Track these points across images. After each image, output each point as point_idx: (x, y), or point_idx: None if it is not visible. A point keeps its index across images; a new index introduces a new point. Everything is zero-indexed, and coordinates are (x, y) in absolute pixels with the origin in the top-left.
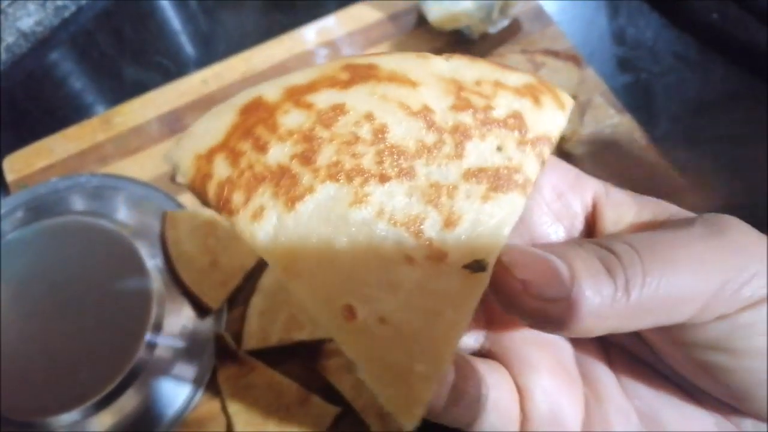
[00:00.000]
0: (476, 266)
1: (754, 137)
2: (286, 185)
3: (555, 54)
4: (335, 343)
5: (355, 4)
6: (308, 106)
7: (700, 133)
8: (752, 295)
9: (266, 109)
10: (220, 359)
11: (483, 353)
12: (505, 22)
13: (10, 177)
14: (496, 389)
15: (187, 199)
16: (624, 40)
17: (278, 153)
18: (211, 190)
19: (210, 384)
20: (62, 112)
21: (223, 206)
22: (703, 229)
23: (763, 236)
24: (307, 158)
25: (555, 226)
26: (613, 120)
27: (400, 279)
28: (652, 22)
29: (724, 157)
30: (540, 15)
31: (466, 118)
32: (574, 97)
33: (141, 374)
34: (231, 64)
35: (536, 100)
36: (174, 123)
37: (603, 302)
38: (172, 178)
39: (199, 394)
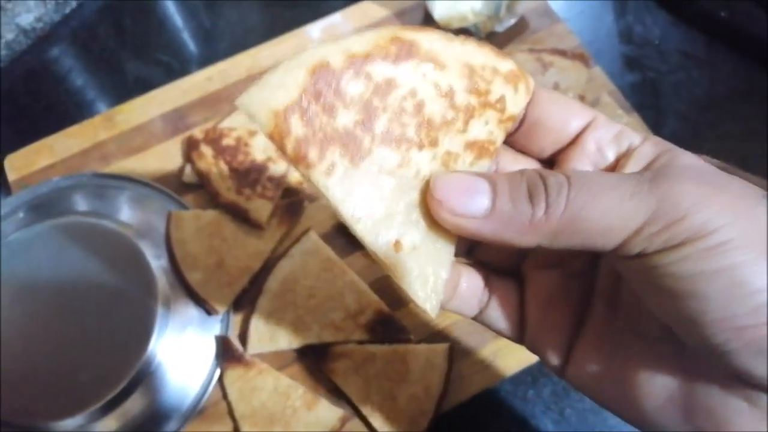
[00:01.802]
0: None
1: (763, 134)
2: (352, 146)
3: (562, 53)
4: (342, 347)
5: (360, 1)
6: (367, 76)
7: (708, 130)
8: (670, 239)
9: (333, 74)
10: (226, 362)
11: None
12: (512, 21)
13: (11, 176)
14: (502, 295)
15: (192, 199)
16: (631, 39)
17: (345, 118)
18: (289, 145)
19: (216, 387)
20: (63, 110)
21: (301, 160)
22: (647, 175)
23: (702, 184)
24: (366, 125)
25: None
26: (621, 119)
27: (420, 218)
28: (660, 20)
29: (732, 154)
30: (547, 13)
31: (474, 99)
32: (582, 97)
33: (146, 377)
34: (236, 61)
35: (515, 87)
36: (177, 121)
37: (519, 219)
38: (178, 177)
39: (205, 396)
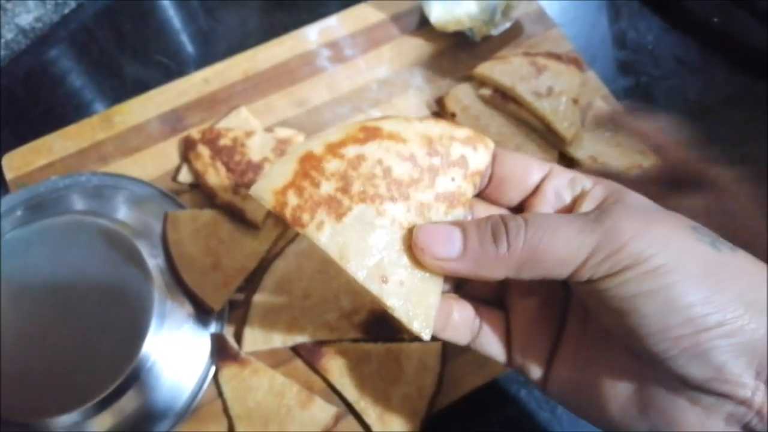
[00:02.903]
0: None
1: (756, 140)
2: (335, 207)
3: (557, 57)
4: (337, 345)
5: (357, 4)
6: (341, 156)
7: (700, 136)
8: (612, 266)
9: (315, 159)
10: (222, 360)
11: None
12: (507, 25)
13: (9, 175)
14: (490, 323)
15: (188, 199)
16: (625, 44)
17: (327, 187)
18: (288, 213)
19: (211, 385)
20: (62, 110)
21: (297, 223)
22: (592, 215)
23: (639, 220)
24: (345, 189)
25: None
26: None
27: (407, 257)
28: (653, 26)
29: (725, 160)
30: (542, 18)
31: (436, 161)
32: (575, 101)
33: (142, 375)
34: (233, 63)
35: (474, 148)
36: (175, 122)
37: (487, 257)
38: (174, 177)
39: (200, 395)
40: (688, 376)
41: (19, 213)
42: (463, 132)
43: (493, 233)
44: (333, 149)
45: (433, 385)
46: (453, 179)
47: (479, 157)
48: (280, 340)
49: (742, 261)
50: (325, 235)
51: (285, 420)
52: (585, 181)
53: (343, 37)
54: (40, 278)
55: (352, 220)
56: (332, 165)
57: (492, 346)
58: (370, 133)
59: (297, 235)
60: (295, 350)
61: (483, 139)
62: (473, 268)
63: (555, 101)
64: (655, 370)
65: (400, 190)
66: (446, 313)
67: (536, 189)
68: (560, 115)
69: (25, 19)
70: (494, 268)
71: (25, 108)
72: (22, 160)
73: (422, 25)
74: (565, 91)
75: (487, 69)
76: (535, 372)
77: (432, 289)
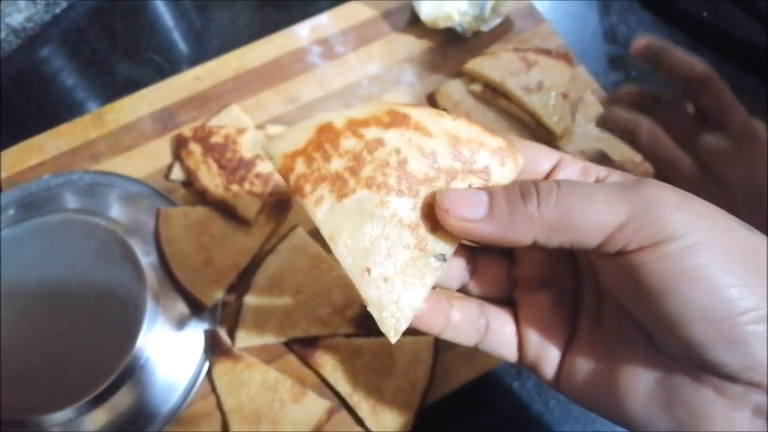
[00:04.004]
0: (441, 257)
1: None
2: (339, 186)
3: (547, 52)
4: (331, 341)
5: (348, 1)
6: (361, 136)
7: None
8: (649, 237)
9: (334, 132)
10: (215, 356)
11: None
12: (497, 21)
13: (1, 174)
14: (498, 322)
15: (181, 197)
16: (615, 38)
17: (337, 164)
18: (292, 178)
19: (205, 381)
20: (53, 109)
21: (298, 191)
22: (622, 183)
23: (677, 194)
24: (354, 171)
25: None
26: None
27: (398, 255)
28: (643, 20)
29: None
30: (532, 13)
31: (457, 164)
32: (565, 96)
33: (135, 372)
34: (224, 61)
35: (502, 162)
36: (167, 120)
37: (515, 216)
38: (167, 175)
39: (194, 391)
40: (723, 364)
41: (11, 212)
42: (495, 142)
43: (522, 193)
44: (354, 126)
45: (425, 378)
46: (470, 186)
47: (505, 172)
48: (273, 335)
49: None
50: (322, 211)
51: (278, 414)
52: (599, 170)
53: (334, 34)
54: (33, 276)
55: (352, 203)
56: (349, 142)
57: (502, 346)
58: (397, 119)
59: (289, 231)
60: (288, 345)
61: (514, 154)
62: (500, 229)
63: (545, 96)
64: (680, 360)
65: (410, 185)
66: (445, 312)
67: (547, 177)
68: (550, 109)
69: (16, 19)
70: (523, 229)
71: (17, 107)
72: (14, 160)
73: (413, 22)
74: (555, 86)
75: (477, 65)
76: (548, 369)
77: (415, 293)
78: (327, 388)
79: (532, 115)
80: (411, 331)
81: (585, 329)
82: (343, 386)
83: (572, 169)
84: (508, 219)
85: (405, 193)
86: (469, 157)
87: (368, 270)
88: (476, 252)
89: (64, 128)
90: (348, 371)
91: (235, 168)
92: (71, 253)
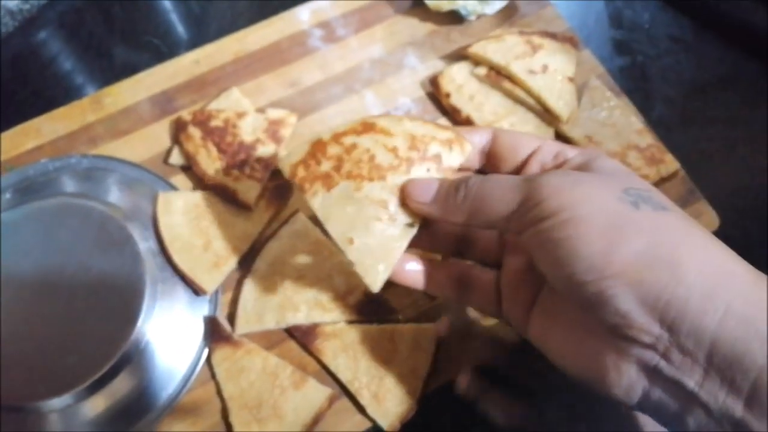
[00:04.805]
0: (410, 224)
1: (750, 119)
2: (327, 181)
3: (552, 35)
4: (331, 329)
5: None
6: (341, 144)
7: (695, 115)
8: (532, 218)
9: (323, 144)
10: (214, 342)
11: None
12: (501, 3)
13: None
14: (481, 281)
15: (180, 181)
16: (621, 23)
17: (325, 166)
18: (297, 181)
19: (204, 367)
20: (51, 93)
21: (301, 188)
22: (528, 176)
23: (568, 179)
24: (337, 168)
25: None
26: (610, 102)
27: (373, 227)
28: (649, 5)
29: (719, 138)
30: None
31: (414, 154)
32: (571, 80)
33: (134, 358)
34: (223, 44)
35: (450, 149)
36: (165, 104)
37: (448, 202)
38: (165, 159)
39: (193, 377)
40: (603, 319)
41: (8, 196)
42: (445, 134)
43: (456, 186)
44: (337, 138)
45: (427, 365)
46: (428, 170)
47: (453, 156)
48: (273, 321)
49: (661, 218)
50: (318, 200)
51: (279, 401)
52: (569, 152)
53: (335, 17)
54: (31, 261)
55: (337, 191)
56: (333, 149)
57: (482, 300)
58: (367, 127)
59: (290, 216)
60: (289, 332)
61: (462, 142)
62: (440, 211)
63: (550, 79)
64: (586, 318)
65: (379, 172)
66: (423, 271)
67: (525, 163)
68: (555, 93)
69: (12, 2)
70: (454, 212)
71: (14, 91)
72: (10, 143)
73: (416, 4)
74: (561, 69)
75: (481, 48)
76: (518, 321)
77: (390, 254)
78: (328, 375)
79: (537, 98)
80: (413, 318)
81: (544, 293)
82: (344, 373)
83: (546, 153)
84: (444, 204)
85: (375, 179)
86: (423, 148)
87: (351, 240)
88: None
89: (61, 112)
90: (349, 358)
91: (235, 152)
92: (69, 238)
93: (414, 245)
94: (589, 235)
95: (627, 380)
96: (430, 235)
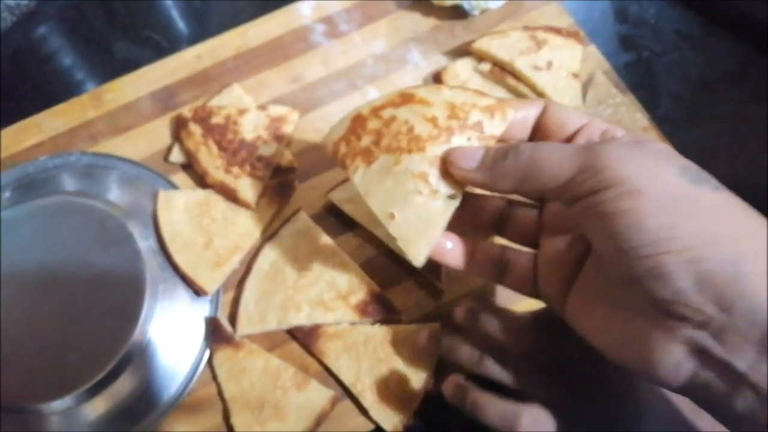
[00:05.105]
0: (452, 196)
1: (758, 115)
2: (367, 155)
3: (557, 31)
4: (335, 332)
5: None
6: (380, 117)
7: (702, 111)
8: (593, 186)
9: (362, 119)
10: (216, 343)
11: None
12: None
13: None
14: (518, 262)
15: (180, 179)
16: (626, 18)
17: (365, 141)
18: (339, 157)
19: (205, 368)
20: (51, 89)
21: (342, 164)
22: (583, 144)
23: (628, 149)
24: (377, 143)
25: None
26: (615, 99)
27: (414, 200)
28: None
29: (726, 135)
30: None
31: (454, 123)
32: (576, 76)
33: (134, 359)
34: (225, 39)
35: (492, 116)
36: (166, 100)
37: (496, 168)
38: (166, 157)
39: (195, 378)
40: (654, 296)
41: (8, 194)
42: (486, 101)
43: (504, 151)
44: (376, 111)
45: (430, 366)
46: (469, 139)
47: (495, 124)
48: (275, 322)
49: (719, 198)
50: (358, 176)
51: (281, 402)
52: (617, 132)
53: (337, 12)
54: (30, 260)
55: (377, 166)
56: (373, 124)
57: (519, 281)
58: (406, 98)
59: (292, 215)
60: (291, 333)
61: (504, 109)
62: (487, 178)
63: (554, 75)
64: (634, 297)
65: (418, 144)
66: (466, 251)
67: (570, 139)
68: (560, 89)
69: None
70: (502, 179)
71: (14, 87)
72: (10, 140)
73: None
74: (565, 65)
75: (485, 44)
76: (556, 300)
77: (432, 228)
78: (330, 376)
79: (541, 95)
80: (416, 319)
81: (586, 271)
82: (347, 375)
83: (594, 129)
84: (491, 170)
85: (414, 151)
86: (463, 116)
87: (392, 214)
88: (512, 201)
89: (62, 108)
90: (351, 359)
91: (236, 150)
92: (69, 237)
93: (455, 220)
94: (652, 208)
95: (674, 361)
96: (471, 209)
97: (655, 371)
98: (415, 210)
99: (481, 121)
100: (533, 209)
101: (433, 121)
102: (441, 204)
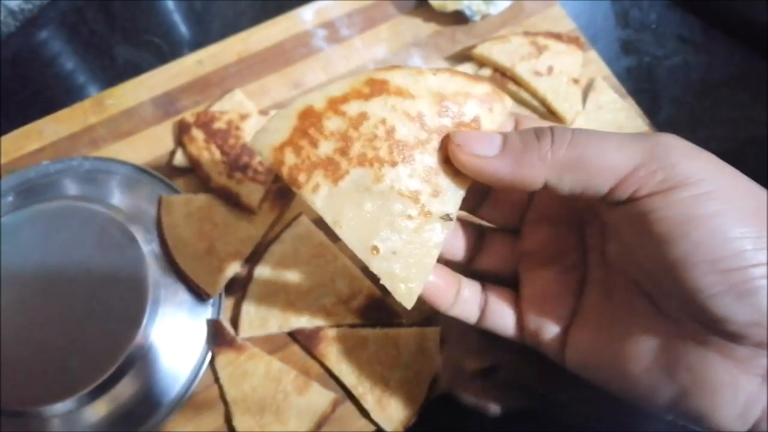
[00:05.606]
0: (447, 217)
1: (760, 119)
2: (332, 169)
3: (557, 36)
4: (335, 328)
5: None
6: (343, 113)
7: (703, 116)
8: (662, 183)
9: (315, 116)
10: (218, 346)
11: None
12: (506, 3)
13: (0, 160)
14: (498, 300)
15: (183, 184)
16: (628, 22)
17: (325, 148)
18: (285, 171)
19: (207, 371)
20: (52, 94)
21: (293, 183)
22: (642, 134)
23: (691, 144)
24: (343, 151)
25: None
26: (615, 104)
27: (402, 227)
28: (656, 4)
29: (729, 140)
30: None
31: (446, 120)
32: (577, 81)
33: (137, 362)
34: (227, 44)
35: (491, 108)
36: (168, 105)
37: (528, 152)
38: (170, 162)
39: (197, 381)
40: (730, 318)
41: (10, 198)
42: (481, 88)
43: (536, 133)
44: (335, 105)
45: (431, 369)
46: None
47: (494, 117)
48: (276, 325)
49: None
50: (321, 197)
51: (282, 406)
52: None
53: (339, 16)
54: (33, 265)
55: (348, 184)
56: (332, 123)
57: (501, 320)
58: (376, 88)
59: (293, 219)
60: (292, 336)
61: (501, 96)
62: (512, 167)
63: (555, 81)
64: (684, 324)
65: (403, 152)
66: (456, 290)
67: None
68: (561, 95)
69: (14, 1)
70: (534, 167)
71: (15, 92)
72: (12, 145)
73: (420, 4)
74: (566, 71)
75: (486, 49)
76: (551, 342)
77: (425, 259)
78: (332, 379)
79: (542, 100)
80: (417, 322)
81: (590, 302)
82: (348, 377)
83: None
84: (521, 156)
85: (399, 162)
86: (457, 110)
87: (376, 248)
88: (485, 228)
89: (63, 113)
90: (353, 362)
91: (238, 155)
92: (71, 241)
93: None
94: (737, 215)
95: (744, 398)
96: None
97: (718, 413)
98: (403, 239)
99: (478, 116)
100: (508, 234)
101: (420, 119)
102: (434, 228)
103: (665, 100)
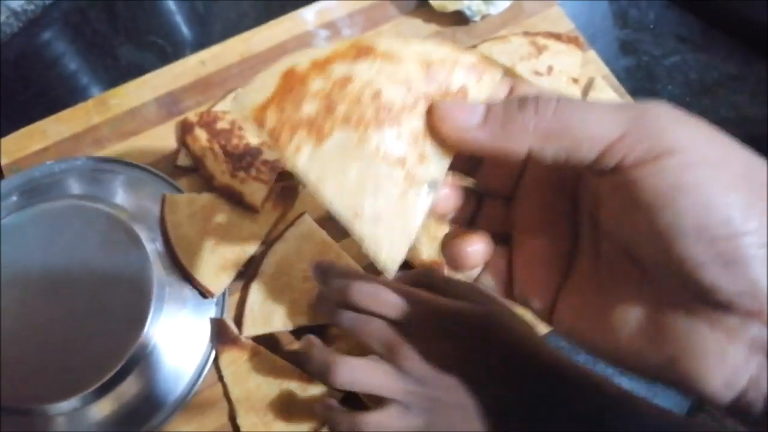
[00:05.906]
0: (433, 185)
1: (759, 118)
2: (315, 130)
3: (557, 36)
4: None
5: None
6: (328, 75)
7: (703, 115)
8: (648, 151)
9: (299, 76)
10: (222, 344)
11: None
12: (506, 3)
13: (3, 160)
14: (494, 257)
15: (186, 183)
16: (626, 22)
17: (309, 108)
18: (267, 132)
19: (212, 370)
20: (55, 94)
21: (275, 143)
22: (627, 103)
23: (678, 111)
24: (327, 112)
25: None
26: None
27: (387, 192)
28: (655, 4)
29: None
30: None
31: (433, 86)
32: (576, 81)
33: (141, 360)
34: (229, 45)
35: (479, 78)
36: (171, 105)
37: (511, 121)
38: (175, 161)
39: (201, 380)
40: (718, 288)
41: (14, 198)
42: (469, 58)
43: (520, 101)
44: (320, 66)
45: None
46: None
47: (482, 87)
48: (280, 323)
49: None
50: (303, 159)
51: (286, 404)
52: None
53: (341, 17)
54: (37, 264)
55: (332, 145)
56: (317, 83)
57: (492, 281)
58: (362, 51)
59: (297, 218)
60: (296, 334)
61: (491, 67)
62: (495, 136)
63: (555, 81)
64: (673, 291)
65: (389, 115)
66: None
67: None
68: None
69: (17, 1)
70: (518, 136)
71: (18, 92)
72: (16, 145)
73: (421, 5)
74: (565, 70)
75: (486, 49)
76: (539, 307)
77: (409, 225)
78: None
79: None
80: None
81: (581, 268)
82: None
83: None
84: (504, 125)
85: (385, 124)
86: (445, 77)
87: (358, 213)
88: (482, 193)
89: (66, 113)
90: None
91: (242, 154)
92: (75, 240)
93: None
94: (726, 183)
95: (731, 367)
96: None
97: (703, 380)
98: (388, 204)
99: (465, 86)
100: (502, 201)
101: (407, 83)
102: (420, 194)
103: (664, 99)
